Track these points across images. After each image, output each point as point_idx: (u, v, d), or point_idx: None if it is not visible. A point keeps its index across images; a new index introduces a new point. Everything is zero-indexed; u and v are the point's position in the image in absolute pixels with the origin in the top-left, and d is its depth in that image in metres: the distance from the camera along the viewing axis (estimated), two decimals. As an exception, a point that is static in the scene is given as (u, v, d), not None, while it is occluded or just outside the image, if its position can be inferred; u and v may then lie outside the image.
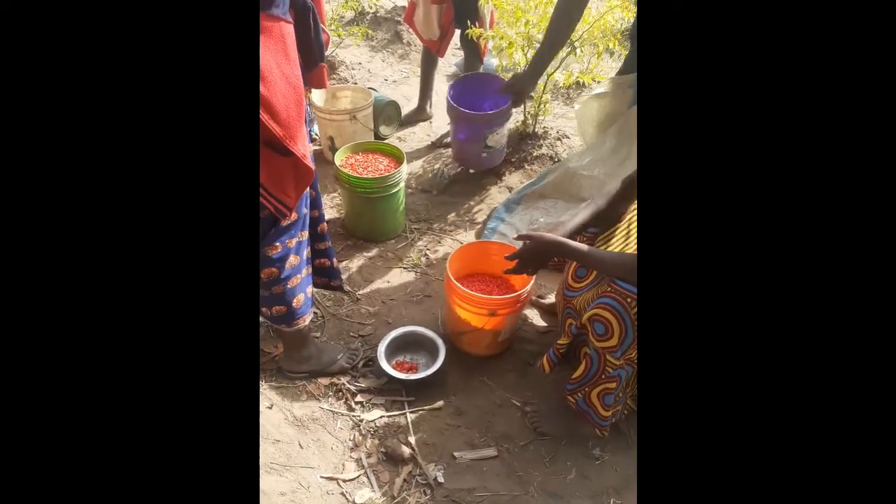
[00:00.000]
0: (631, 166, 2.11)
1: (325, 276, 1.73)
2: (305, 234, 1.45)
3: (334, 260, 1.72)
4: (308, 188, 1.38)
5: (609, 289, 1.25)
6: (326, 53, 3.47)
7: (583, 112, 2.24)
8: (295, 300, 1.46)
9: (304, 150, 1.25)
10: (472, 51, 2.65)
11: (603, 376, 1.31)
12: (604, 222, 1.46)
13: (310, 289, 1.52)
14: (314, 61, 1.39)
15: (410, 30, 3.36)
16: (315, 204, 1.56)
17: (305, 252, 1.47)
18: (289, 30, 1.18)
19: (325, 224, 1.63)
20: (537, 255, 1.36)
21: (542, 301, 1.93)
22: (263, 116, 1.12)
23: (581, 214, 1.43)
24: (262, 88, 1.11)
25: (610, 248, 1.38)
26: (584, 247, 1.29)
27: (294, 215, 1.36)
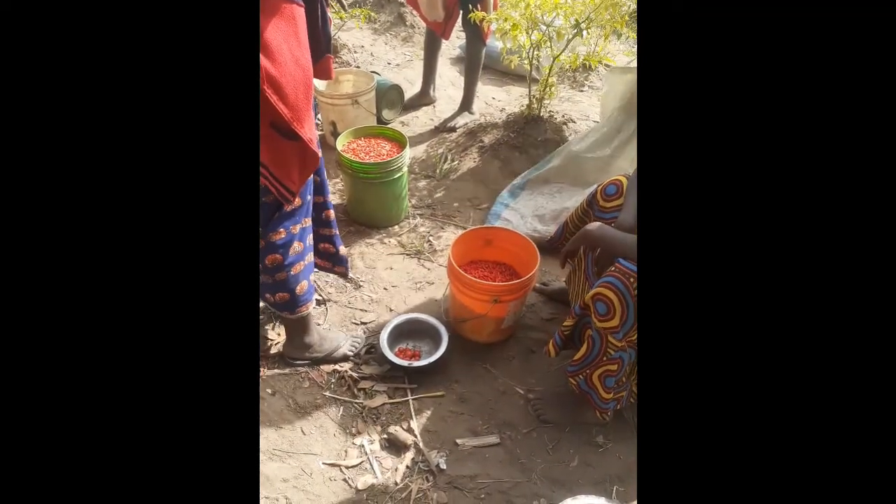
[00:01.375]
0: (634, 146, 2.08)
1: (329, 261, 1.71)
2: (309, 220, 1.44)
3: (340, 247, 1.69)
4: (312, 175, 1.36)
5: (613, 268, 1.23)
6: (329, 36, 3.40)
7: (611, 83, 2.24)
8: (298, 287, 1.45)
9: (312, 134, 1.23)
10: (475, 33, 2.60)
11: (604, 358, 1.30)
12: None
13: (312, 276, 1.51)
14: (321, 52, 1.36)
15: (414, 12, 3.31)
16: (320, 190, 1.54)
17: (309, 239, 1.46)
18: (300, 12, 1.16)
19: (331, 211, 1.61)
20: (572, 242, 1.39)
21: (546, 288, 1.91)
22: (272, 97, 1.11)
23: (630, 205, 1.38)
24: (272, 69, 1.09)
25: None
26: (618, 233, 1.28)
27: (298, 201, 1.34)
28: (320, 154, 1.30)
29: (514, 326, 1.75)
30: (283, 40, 1.11)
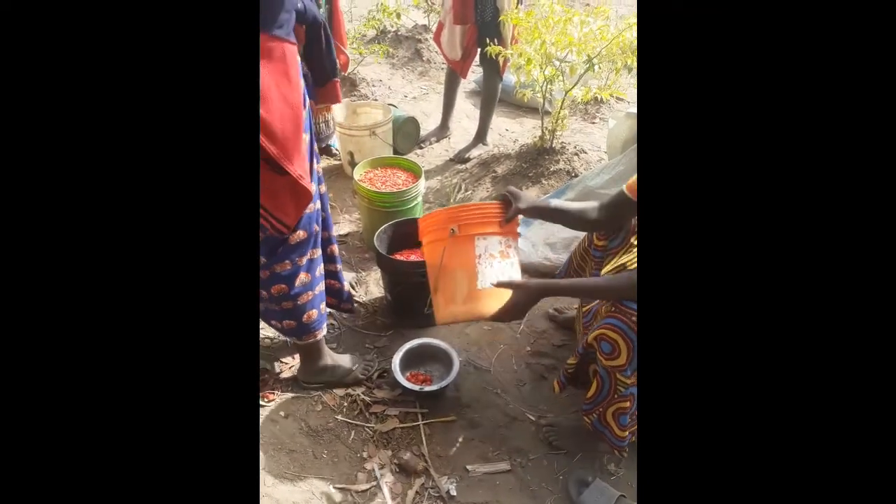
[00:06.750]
0: None
1: (335, 297, 1.73)
2: (318, 252, 1.46)
3: (345, 283, 1.71)
4: (313, 207, 1.36)
5: (613, 308, 1.23)
6: (349, 71, 3.53)
7: (615, 129, 2.31)
8: (305, 316, 1.48)
9: (302, 171, 1.24)
10: (492, 69, 2.70)
11: (616, 396, 1.30)
12: (608, 231, 1.49)
13: (323, 305, 1.54)
14: (326, 77, 1.39)
15: (437, 49, 3.44)
16: (325, 225, 1.54)
17: (318, 269, 1.48)
18: (291, 51, 1.19)
19: (335, 246, 1.62)
20: (525, 305, 1.29)
21: (559, 315, 1.92)
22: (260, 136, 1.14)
23: (571, 205, 1.40)
24: (260, 109, 1.12)
25: (622, 261, 1.37)
26: (573, 281, 1.30)
27: (303, 234, 1.36)
28: (313, 189, 1.27)
29: (511, 311, 1.30)
30: (273, 80, 1.15)
